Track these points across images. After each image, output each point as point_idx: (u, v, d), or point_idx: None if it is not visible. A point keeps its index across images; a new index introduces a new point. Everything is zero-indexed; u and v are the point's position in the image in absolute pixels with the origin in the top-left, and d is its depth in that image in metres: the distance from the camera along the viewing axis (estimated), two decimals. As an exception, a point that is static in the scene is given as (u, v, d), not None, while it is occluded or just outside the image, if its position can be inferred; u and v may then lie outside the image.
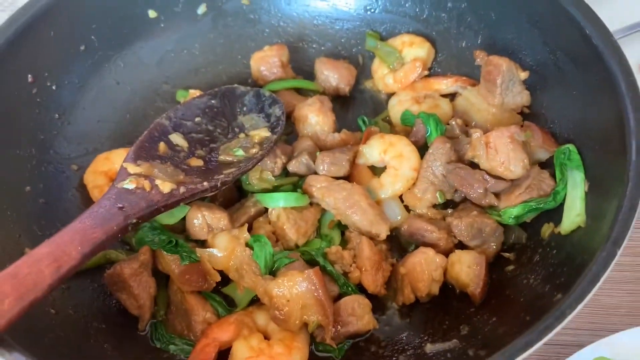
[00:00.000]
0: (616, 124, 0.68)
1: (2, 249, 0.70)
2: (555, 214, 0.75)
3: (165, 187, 0.69)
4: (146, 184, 0.69)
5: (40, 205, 0.81)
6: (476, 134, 0.78)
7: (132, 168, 0.71)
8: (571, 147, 0.76)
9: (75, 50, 0.90)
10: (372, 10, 1.02)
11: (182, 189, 0.71)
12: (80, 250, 0.59)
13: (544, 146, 0.79)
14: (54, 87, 0.88)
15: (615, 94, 0.69)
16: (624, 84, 0.68)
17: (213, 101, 0.87)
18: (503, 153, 0.75)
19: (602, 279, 0.54)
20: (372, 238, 0.78)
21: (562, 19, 0.79)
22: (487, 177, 0.77)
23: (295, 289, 0.68)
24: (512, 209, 0.76)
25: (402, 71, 0.96)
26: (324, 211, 0.82)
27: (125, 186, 0.68)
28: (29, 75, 0.84)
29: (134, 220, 0.66)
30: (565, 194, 0.74)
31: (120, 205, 0.66)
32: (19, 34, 0.82)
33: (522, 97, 0.85)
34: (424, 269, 0.73)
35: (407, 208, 0.82)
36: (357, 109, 0.99)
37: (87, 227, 0.62)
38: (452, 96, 0.94)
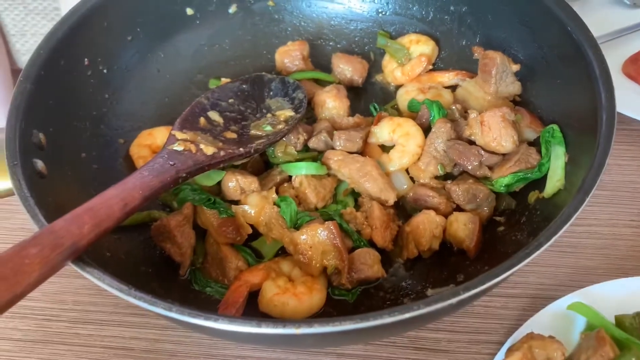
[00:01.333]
0: (591, 105, 0.80)
1: (66, 199, 0.82)
2: (540, 183, 0.87)
3: (209, 150, 0.82)
4: (192, 147, 0.81)
5: (94, 170, 0.93)
6: (473, 114, 0.90)
7: (179, 135, 0.83)
8: (555, 126, 0.88)
9: (124, 40, 1.03)
10: (383, 13, 1.15)
11: (222, 152, 0.83)
12: (142, 194, 0.71)
13: (532, 127, 0.91)
14: (105, 71, 1.00)
15: (591, 80, 0.82)
16: (598, 70, 0.81)
17: (244, 86, 1.00)
18: (495, 130, 0.87)
19: (573, 218, 0.66)
20: (381, 204, 0.90)
21: (548, 19, 0.91)
22: (482, 151, 0.89)
23: (317, 237, 0.80)
24: (503, 178, 0.88)
25: (409, 65, 1.08)
26: (339, 182, 0.94)
27: (175, 148, 0.80)
28: (86, 59, 0.97)
29: (184, 175, 0.78)
30: (549, 166, 0.86)
31: (172, 163, 0.78)
32: (79, 23, 0.95)
33: (514, 87, 0.98)
34: (426, 227, 0.85)
35: (412, 180, 0.94)
36: (368, 98, 1.12)
37: (146, 176, 0.74)
38: (453, 88, 1.07)
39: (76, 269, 0.65)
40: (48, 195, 0.77)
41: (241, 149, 0.85)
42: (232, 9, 1.14)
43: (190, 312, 0.60)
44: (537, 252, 0.65)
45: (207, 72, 1.12)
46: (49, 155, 0.83)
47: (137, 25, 1.05)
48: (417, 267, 0.87)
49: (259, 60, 1.15)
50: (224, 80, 1.07)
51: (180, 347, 0.86)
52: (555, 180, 0.83)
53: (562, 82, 0.91)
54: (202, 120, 0.90)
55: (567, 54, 0.89)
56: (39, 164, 0.80)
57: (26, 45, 2.01)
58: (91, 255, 0.69)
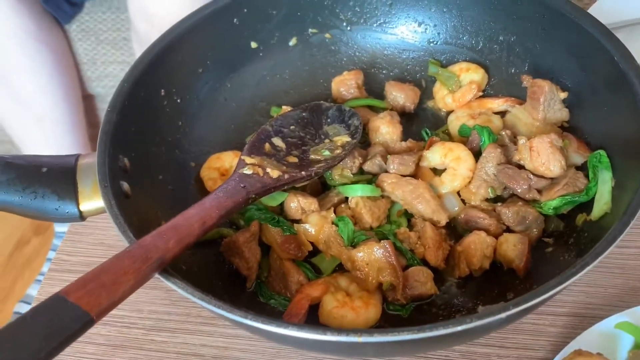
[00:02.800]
0: (637, 132, 0.84)
1: (146, 217, 0.91)
2: (587, 206, 0.91)
3: (274, 173, 0.90)
4: (260, 171, 0.89)
5: (169, 190, 1.02)
6: (522, 140, 0.95)
7: (248, 159, 0.92)
8: (602, 152, 0.92)
9: (195, 72, 1.13)
10: (434, 43, 1.22)
11: (286, 176, 0.91)
12: (218, 213, 0.80)
13: (579, 152, 0.95)
14: (179, 101, 1.10)
15: (637, 108, 0.86)
16: (644, 100, 0.85)
17: (304, 114, 1.08)
18: (544, 155, 0.92)
19: (618, 240, 0.70)
20: (433, 224, 0.96)
21: (595, 48, 0.96)
22: (531, 175, 0.93)
23: (373, 254, 0.86)
24: (552, 202, 0.92)
25: (460, 92, 1.14)
26: (392, 203, 1.01)
27: (245, 172, 0.89)
28: (162, 90, 1.07)
29: (253, 196, 0.86)
30: (597, 190, 0.90)
31: (243, 185, 0.86)
32: (157, 58, 1.05)
33: (561, 114, 1.02)
34: (477, 247, 0.90)
35: (463, 202, 1.00)
36: (420, 123, 1.18)
37: (221, 197, 0.83)
38: (502, 114, 1.11)
39: (162, 280, 0.74)
40: (133, 213, 0.86)
41: (303, 172, 0.93)
42: (292, 42, 1.22)
43: (264, 319, 0.67)
44: (583, 272, 0.69)
45: (269, 100, 1.21)
46: (132, 177, 0.93)
47: (207, 58, 1.15)
48: (469, 285, 0.92)
49: (316, 89, 1.24)
50: (284, 108, 1.15)
51: (247, 355, 0.94)
52: (602, 204, 0.87)
53: (609, 110, 0.95)
54: (267, 145, 0.98)
55: (613, 83, 0.93)
56: (125, 186, 0.90)
57: (96, 73, 2.16)
58: (170, 268, 0.78)
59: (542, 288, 0.67)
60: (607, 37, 0.94)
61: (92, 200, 0.87)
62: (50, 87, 1.94)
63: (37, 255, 2.45)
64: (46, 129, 1.96)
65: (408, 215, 0.99)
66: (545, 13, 1.05)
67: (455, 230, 0.99)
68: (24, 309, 2.09)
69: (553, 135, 0.92)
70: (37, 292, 1.08)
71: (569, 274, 0.69)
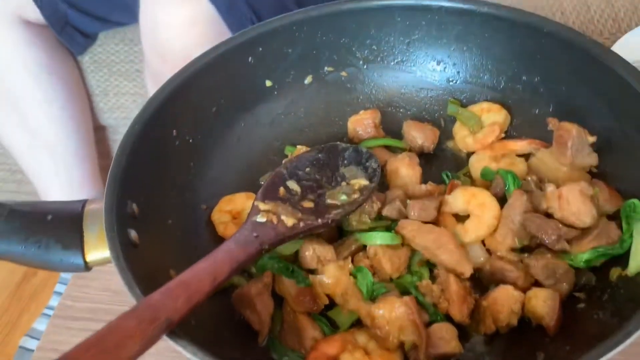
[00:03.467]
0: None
1: (155, 266, 0.87)
2: (622, 259, 0.85)
3: (289, 221, 0.86)
4: (274, 218, 0.85)
5: (179, 236, 0.98)
6: (550, 188, 0.90)
7: (262, 206, 0.87)
8: (636, 201, 0.87)
9: (209, 112, 1.10)
10: (454, 82, 1.18)
11: (301, 224, 0.86)
12: (229, 266, 0.75)
13: (610, 200, 0.90)
14: (191, 141, 1.07)
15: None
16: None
17: (320, 155, 1.04)
18: (574, 205, 0.87)
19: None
20: (457, 276, 0.91)
21: (624, 90, 0.92)
22: (561, 225, 0.88)
23: (395, 312, 0.81)
24: (583, 254, 0.86)
25: (482, 133, 1.10)
26: (414, 251, 0.96)
27: (258, 219, 0.85)
28: (174, 130, 1.04)
29: (266, 247, 0.82)
30: (632, 242, 0.84)
31: (256, 234, 0.82)
32: (168, 98, 1.02)
33: (590, 158, 0.97)
34: (504, 302, 0.84)
35: (488, 251, 0.94)
36: (440, 164, 1.13)
37: (233, 249, 0.78)
38: (526, 157, 1.07)
39: (171, 342, 0.69)
40: (140, 264, 0.82)
41: (319, 220, 0.88)
42: (308, 80, 1.19)
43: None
44: (628, 341, 0.63)
45: (283, 140, 1.18)
46: (140, 224, 0.89)
47: (222, 97, 1.12)
48: (495, 342, 0.86)
49: (331, 128, 1.20)
50: (299, 147, 1.12)
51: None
52: (639, 258, 0.81)
53: (641, 155, 0.90)
54: (281, 190, 0.94)
55: (645, 127, 0.88)
56: (132, 234, 0.86)
57: (108, 104, 2.15)
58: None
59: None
60: (635, 75, 0.90)
61: (98, 250, 0.83)
62: (61, 118, 1.94)
63: (45, 286, 2.41)
64: (57, 159, 1.95)
65: (430, 265, 0.94)
66: (571, 53, 1.01)
67: (479, 282, 0.93)
68: (30, 343, 2.04)
69: (583, 183, 0.87)
70: (39, 342, 1.03)
71: (610, 345, 0.64)
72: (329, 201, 0.96)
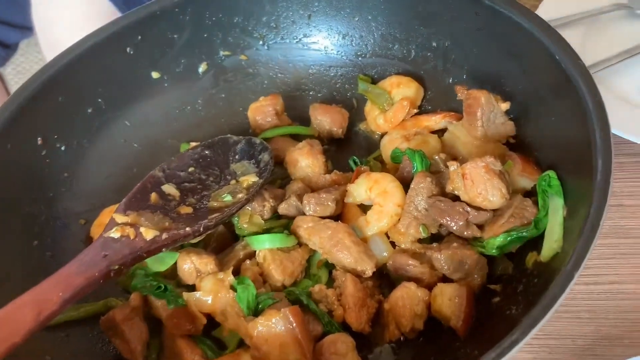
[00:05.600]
0: (587, 145, 0.68)
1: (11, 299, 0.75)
2: (539, 242, 0.73)
3: (149, 234, 0.73)
4: (131, 232, 0.73)
5: (47, 258, 0.86)
6: (452, 166, 0.78)
7: (120, 218, 0.75)
8: (551, 173, 0.75)
9: (83, 113, 0.97)
10: (363, 56, 1.06)
11: (164, 235, 0.74)
12: (62, 296, 0.63)
13: (525, 174, 0.78)
14: (62, 148, 0.94)
15: (585, 116, 0.69)
16: (592, 104, 0.68)
17: (206, 151, 0.92)
18: (480, 184, 0.75)
19: (558, 302, 0.53)
20: (358, 275, 0.79)
21: (535, 47, 0.80)
22: (468, 208, 0.76)
23: (273, 328, 0.69)
24: (495, 239, 0.75)
25: (392, 111, 0.98)
26: (314, 252, 0.84)
27: (111, 235, 0.72)
28: (39, 138, 0.91)
29: (116, 267, 0.69)
30: (547, 222, 0.73)
31: (105, 253, 0.70)
32: (29, 100, 0.90)
33: (505, 128, 0.85)
34: (406, 303, 0.73)
35: (394, 245, 0.83)
36: (352, 149, 1.01)
37: (72, 273, 0.66)
38: (442, 132, 0.95)
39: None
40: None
41: (188, 228, 0.76)
42: (202, 67, 1.07)
43: None
44: (517, 347, 0.52)
45: (180, 137, 1.05)
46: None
47: (98, 95, 0.99)
48: (403, 350, 0.75)
49: (234, 119, 1.08)
50: (192, 144, 0.99)
51: None
52: (552, 241, 0.69)
53: (557, 119, 0.79)
54: (153, 196, 0.82)
55: (558, 87, 0.77)
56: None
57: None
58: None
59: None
60: (547, 32, 0.78)
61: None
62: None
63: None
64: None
65: (330, 266, 0.83)
66: (478, 10, 0.89)
67: (388, 278, 0.82)
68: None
69: (489, 158, 0.75)
70: None
71: (507, 345, 0.52)
72: (211, 203, 0.84)
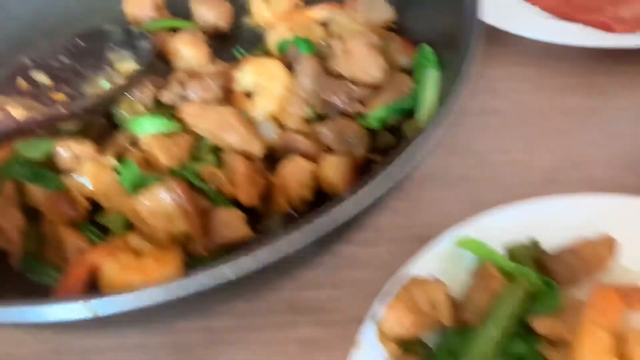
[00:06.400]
0: (459, 27, 0.71)
1: None
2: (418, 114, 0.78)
3: (19, 113, 0.68)
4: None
5: None
6: (336, 44, 0.79)
7: (-19, 100, 0.69)
8: (428, 47, 0.79)
9: None
10: (246, -53, 1.02)
11: (38, 115, 0.70)
12: None
13: (404, 52, 0.82)
14: None
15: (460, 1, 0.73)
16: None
17: (80, 41, 0.86)
18: (361, 58, 0.77)
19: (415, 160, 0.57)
20: (248, 158, 0.79)
21: None
22: (350, 85, 0.79)
23: (159, 200, 0.68)
24: (375, 112, 0.78)
25: (276, 2, 0.97)
26: (201, 138, 0.83)
27: (-27, 115, 0.67)
28: None
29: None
30: (424, 93, 0.77)
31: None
32: None
33: (385, 13, 0.88)
34: (293, 175, 0.74)
35: (282, 127, 0.83)
36: (238, 44, 0.99)
37: None
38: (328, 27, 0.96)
39: None
40: None
41: (63, 110, 0.72)
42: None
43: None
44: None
45: (50, 35, 0.97)
46: None
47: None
48: (293, 223, 0.77)
49: (111, 13, 1.01)
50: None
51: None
52: (428, 107, 0.74)
53: (434, 5, 0.82)
54: (21, 82, 0.76)
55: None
56: None
57: None
58: None
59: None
60: None
61: None
62: None
63: None
64: None
65: (219, 153, 0.82)
66: None
67: (275, 163, 0.83)
68: None
69: (370, 34, 0.78)
70: None
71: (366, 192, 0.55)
72: (88, 89, 0.79)
